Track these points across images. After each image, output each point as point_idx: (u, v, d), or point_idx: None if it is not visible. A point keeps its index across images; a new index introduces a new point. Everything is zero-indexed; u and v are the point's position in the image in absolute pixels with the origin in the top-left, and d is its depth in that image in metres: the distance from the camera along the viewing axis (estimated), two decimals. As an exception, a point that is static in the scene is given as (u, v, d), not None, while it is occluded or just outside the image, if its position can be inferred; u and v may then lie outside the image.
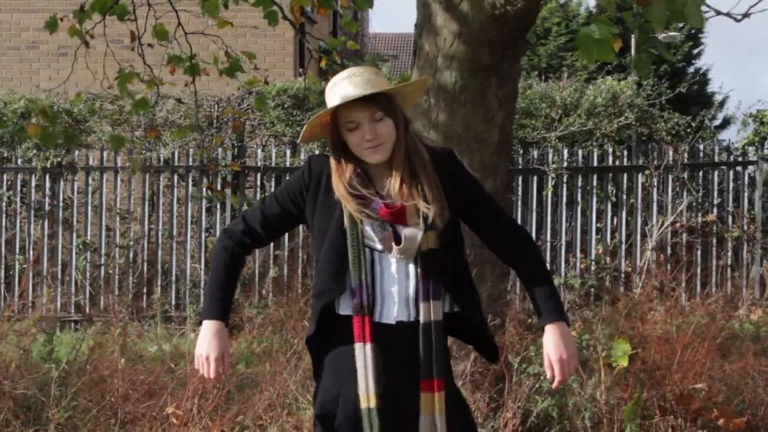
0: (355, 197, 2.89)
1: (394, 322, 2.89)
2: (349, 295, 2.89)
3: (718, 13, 4.15)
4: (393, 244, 2.88)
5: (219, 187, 9.19)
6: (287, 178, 9.43)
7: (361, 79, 2.90)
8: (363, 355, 2.85)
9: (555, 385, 2.96)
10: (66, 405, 5.10)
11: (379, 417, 2.82)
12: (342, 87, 2.90)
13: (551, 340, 2.92)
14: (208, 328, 2.99)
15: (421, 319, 2.87)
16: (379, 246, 2.90)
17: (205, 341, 2.97)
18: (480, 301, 3.06)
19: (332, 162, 2.96)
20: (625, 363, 4.96)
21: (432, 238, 2.89)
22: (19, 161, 9.77)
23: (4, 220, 9.76)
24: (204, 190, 9.26)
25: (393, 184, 2.90)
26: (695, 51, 26.00)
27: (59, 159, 9.62)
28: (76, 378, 5.29)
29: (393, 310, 2.89)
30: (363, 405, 2.83)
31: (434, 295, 2.88)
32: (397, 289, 2.90)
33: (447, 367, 2.94)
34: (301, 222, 3.06)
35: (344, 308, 2.91)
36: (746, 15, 3.95)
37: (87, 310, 9.34)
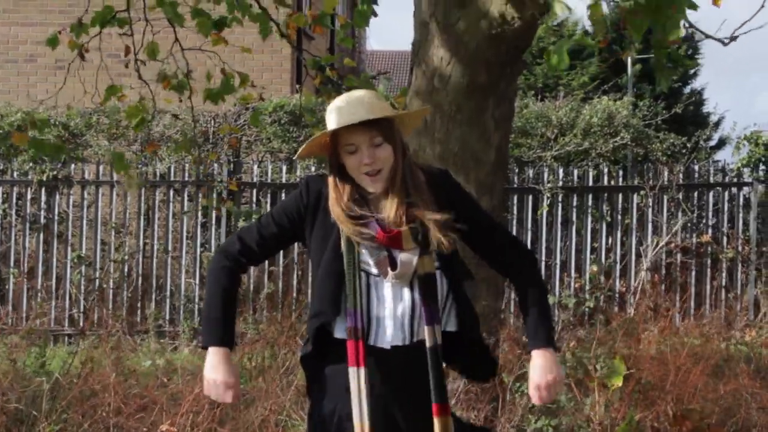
0: (352, 220, 2.88)
1: (389, 347, 2.88)
2: (344, 318, 2.88)
3: (707, 36, 4.21)
4: (389, 268, 2.87)
5: (214, 204, 9.22)
6: (283, 194, 9.47)
7: (363, 102, 2.89)
8: (356, 380, 2.83)
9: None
10: (56, 419, 5.08)
11: None
12: (344, 109, 2.89)
13: (537, 366, 2.93)
14: (216, 354, 2.92)
15: (428, 343, 2.86)
16: (374, 270, 2.89)
17: (216, 367, 2.91)
18: (479, 322, 3.06)
19: (330, 183, 2.95)
20: (619, 383, 4.96)
21: (428, 262, 2.89)
22: (15, 174, 9.77)
23: (-1, 232, 9.76)
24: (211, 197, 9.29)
25: (389, 209, 2.89)
26: (691, 71, 26.01)
27: (55, 172, 9.63)
28: (68, 391, 5.27)
29: (388, 334, 2.88)
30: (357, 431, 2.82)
31: (435, 320, 2.87)
32: (392, 314, 2.88)
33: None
34: (297, 240, 3.04)
35: (339, 332, 2.90)
36: (733, 38, 4.02)
37: (81, 323, 9.33)
